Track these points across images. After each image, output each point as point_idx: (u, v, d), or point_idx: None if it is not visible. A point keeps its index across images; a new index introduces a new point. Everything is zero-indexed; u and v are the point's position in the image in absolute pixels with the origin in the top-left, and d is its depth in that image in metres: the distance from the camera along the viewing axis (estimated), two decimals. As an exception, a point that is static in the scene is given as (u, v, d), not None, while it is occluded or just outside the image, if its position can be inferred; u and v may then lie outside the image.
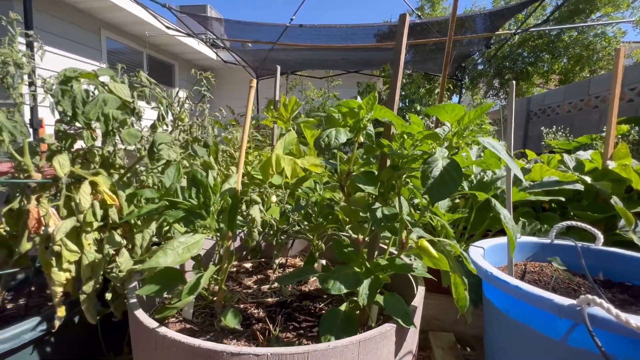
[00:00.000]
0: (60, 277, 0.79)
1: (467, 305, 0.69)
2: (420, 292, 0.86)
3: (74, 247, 0.81)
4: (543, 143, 3.63)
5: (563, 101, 5.40)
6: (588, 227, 1.44)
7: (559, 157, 2.11)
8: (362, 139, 0.77)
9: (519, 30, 5.45)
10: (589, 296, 0.78)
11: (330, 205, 1.25)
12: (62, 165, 0.85)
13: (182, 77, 7.77)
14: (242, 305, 1.08)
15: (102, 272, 0.90)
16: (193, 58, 7.82)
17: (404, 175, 0.72)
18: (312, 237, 1.39)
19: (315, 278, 1.31)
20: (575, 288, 1.25)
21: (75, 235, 0.85)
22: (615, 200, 1.69)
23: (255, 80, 1.03)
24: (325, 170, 1.76)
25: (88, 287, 0.84)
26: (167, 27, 5.65)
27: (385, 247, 0.91)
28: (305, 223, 1.44)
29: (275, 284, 1.25)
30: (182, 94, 1.09)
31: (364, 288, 0.69)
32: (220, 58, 7.07)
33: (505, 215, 0.73)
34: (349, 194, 0.83)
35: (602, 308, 0.73)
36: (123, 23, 5.65)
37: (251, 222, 1.24)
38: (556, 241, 1.53)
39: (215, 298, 0.97)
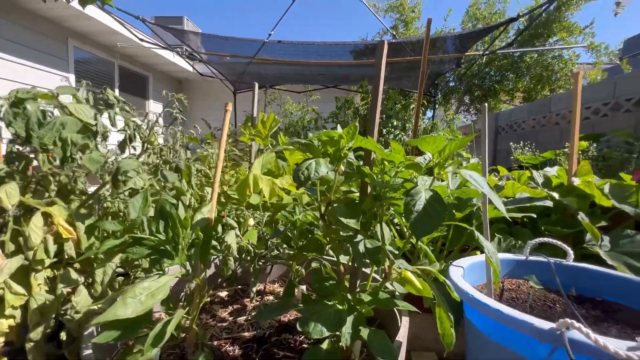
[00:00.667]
0: (1, 325, 0.69)
1: (453, 342, 0.67)
2: (405, 324, 0.83)
3: (20, 290, 0.72)
4: (512, 157, 3.81)
5: (528, 117, 5.75)
6: (559, 243, 1.49)
7: (529, 174, 2.21)
8: (342, 168, 0.74)
9: (486, 52, 5.81)
10: (568, 320, 0.78)
11: (311, 229, 1.21)
12: (10, 195, 0.76)
13: (156, 89, 7.54)
14: (215, 342, 1.00)
15: (54, 315, 0.79)
16: (168, 70, 7.64)
17: (386, 205, 0.70)
18: (291, 262, 1.33)
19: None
20: (551, 305, 1.27)
21: (23, 274, 0.75)
22: (582, 216, 1.77)
23: (230, 104, 0.99)
24: (304, 190, 1.72)
25: (36, 334, 0.74)
26: (141, 40, 5.49)
27: (368, 271, 0.88)
28: (285, 246, 1.39)
29: (253, 315, 1.17)
30: (152, 116, 1.03)
31: (347, 328, 0.65)
32: (197, 70, 6.96)
33: (489, 249, 0.73)
34: (330, 223, 0.79)
35: (581, 332, 0.74)
36: (92, 32, 5.43)
37: (226, 249, 1.17)
38: (530, 257, 1.57)
39: (186, 335, 0.89)
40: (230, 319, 1.15)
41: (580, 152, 3.15)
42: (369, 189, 0.79)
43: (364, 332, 0.77)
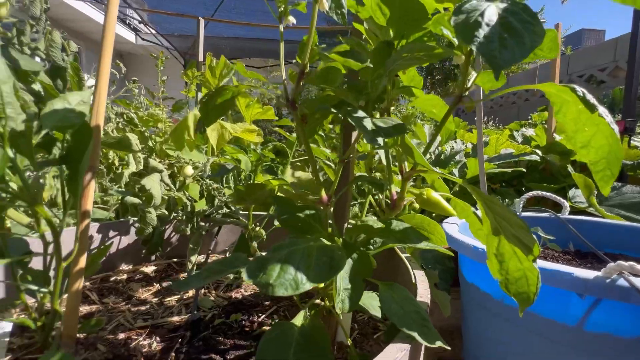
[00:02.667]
0: None
1: (538, 284, 0.38)
2: (423, 280, 0.53)
3: None
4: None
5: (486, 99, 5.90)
6: (554, 196, 1.32)
7: (509, 132, 2.10)
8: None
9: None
10: (623, 263, 0.57)
11: (272, 168, 0.87)
12: None
13: (90, 63, 6.52)
14: (123, 335, 0.63)
15: None
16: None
17: (405, 57, 0.39)
18: (246, 221, 0.98)
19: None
20: (556, 260, 1.10)
21: None
22: (570, 169, 1.65)
23: None
24: (266, 148, 1.35)
25: None
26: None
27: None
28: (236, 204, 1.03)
29: (190, 293, 0.81)
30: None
31: (342, 279, 0.34)
32: (141, 37, 6.08)
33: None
34: (304, 117, 0.47)
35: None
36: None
37: (147, 198, 0.79)
38: (524, 213, 1.39)
39: (50, 327, 0.51)
40: (154, 300, 0.78)
41: (543, 122, 3.16)
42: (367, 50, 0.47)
43: (369, 296, 0.47)
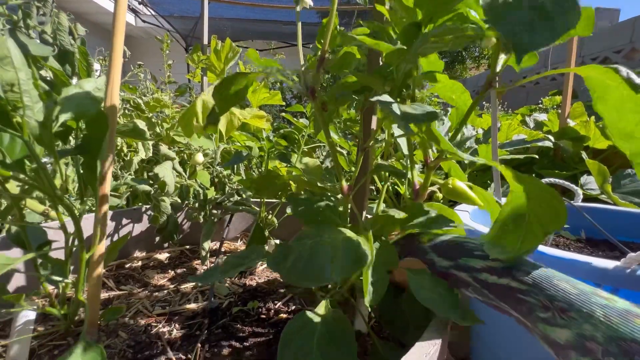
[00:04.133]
0: None
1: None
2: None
3: None
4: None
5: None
6: (567, 183, 1.30)
7: (521, 117, 2.05)
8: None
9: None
10: None
11: (284, 155, 0.86)
12: None
13: (88, 47, 6.40)
14: (142, 322, 0.64)
15: None
16: (104, 21, 6.50)
17: (432, 41, 0.37)
18: (259, 208, 0.98)
19: (264, 266, 0.92)
20: (571, 249, 1.09)
21: None
22: (584, 155, 1.62)
23: None
24: (276, 136, 1.33)
25: None
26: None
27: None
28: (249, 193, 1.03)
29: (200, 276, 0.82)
30: None
31: (369, 269, 0.33)
32: (141, 19, 5.93)
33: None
34: (324, 105, 0.45)
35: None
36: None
37: (160, 186, 0.78)
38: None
39: (73, 315, 0.52)
40: (171, 287, 0.78)
41: (555, 106, 3.09)
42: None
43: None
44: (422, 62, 0.55)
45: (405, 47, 0.37)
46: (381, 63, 0.56)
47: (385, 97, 0.36)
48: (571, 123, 1.92)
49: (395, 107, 0.33)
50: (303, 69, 0.45)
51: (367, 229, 0.40)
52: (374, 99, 0.35)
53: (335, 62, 0.52)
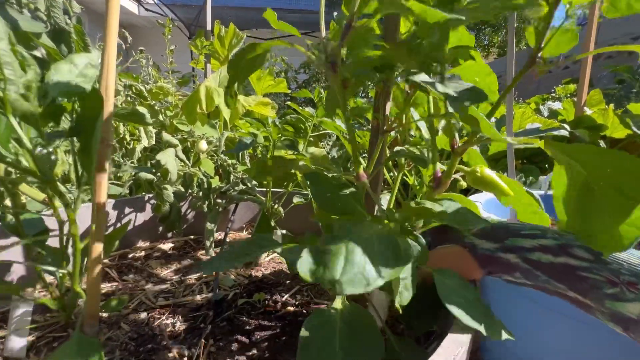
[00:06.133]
0: None
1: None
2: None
3: None
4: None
5: (504, 71, 5.59)
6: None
7: (534, 106, 1.98)
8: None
9: None
10: None
11: (292, 143, 0.82)
12: None
13: (91, 36, 6.33)
14: (145, 314, 0.61)
15: None
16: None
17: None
18: (264, 198, 0.95)
19: (271, 257, 0.89)
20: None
21: None
22: (602, 145, 1.55)
23: None
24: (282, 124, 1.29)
25: None
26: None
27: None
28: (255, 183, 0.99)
29: (201, 264, 0.79)
30: None
31: (407, 268, 0.30)
32: (144, 8, 5.85)
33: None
34: (345, 82, 0.41)
35: None
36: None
37: (162, 174, 0.75)
38: (550, 192, 1.33)
39: (71, 306, 0.50)
40: (174, 278, 0.76)
41: (568, 95, 2.99)
42: None
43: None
44: (450, 37, 0.50)
45: (448, 17, 0.32)
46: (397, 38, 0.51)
47: (424, 76, 0.32)
48: (588, 111, 1.85)
49: (441, 87, 0.29)
50: (325, 40, 0.40)
51: (396, 221, 0.37)
52: (414, 78, 0.30)
53: (360, 33, 0.47)
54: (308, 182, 0.40)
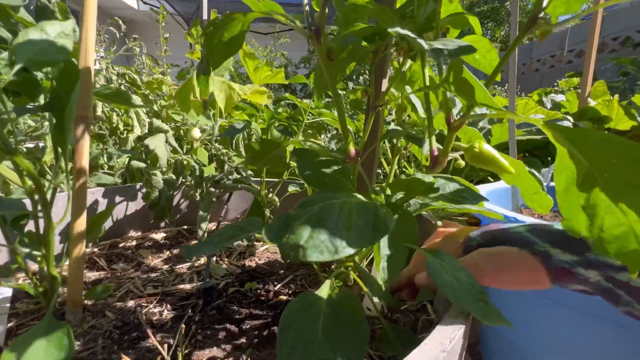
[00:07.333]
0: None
1: None
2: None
3: None
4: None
5: (506, 67, 5.53)
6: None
7: (537, 98, 1.94)
8: None
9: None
10: None
11: (287, 129, 0.79)
12: None
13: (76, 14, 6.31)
14: (132, 302, 0.59)
15: None
16: (108, 6, 6.40)
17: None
18: (258, 187, 0.93)
19: (265, 247, 0.87)
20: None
21: None
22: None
23: None
24: (278, 107, 1.26)
25: None
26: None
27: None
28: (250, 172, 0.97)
29: (201, 261, 0.77)
30: None
31: (383, 242, 0.28)
32: (143, 2, 5.80)
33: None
34: (330, 53, 0.38)
35: None
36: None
37: (152, 160, 0.73)
38: (552, 183, 1.30)
39: (51, 291, 0.47)
40: (165, 267, 0.74)
41: (572, 88, 2.94)
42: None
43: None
44: (443, 8, 0.47)
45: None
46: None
47: (406, 31, 0.29)
48: (592, 103, 1.81)
49: (422, 42, 0.27)
50: (306, 5, 0.38)
51: (382, 194, 0.34)
52: (392, 29, 0.28)
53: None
54: (295, 158, 0.38)
